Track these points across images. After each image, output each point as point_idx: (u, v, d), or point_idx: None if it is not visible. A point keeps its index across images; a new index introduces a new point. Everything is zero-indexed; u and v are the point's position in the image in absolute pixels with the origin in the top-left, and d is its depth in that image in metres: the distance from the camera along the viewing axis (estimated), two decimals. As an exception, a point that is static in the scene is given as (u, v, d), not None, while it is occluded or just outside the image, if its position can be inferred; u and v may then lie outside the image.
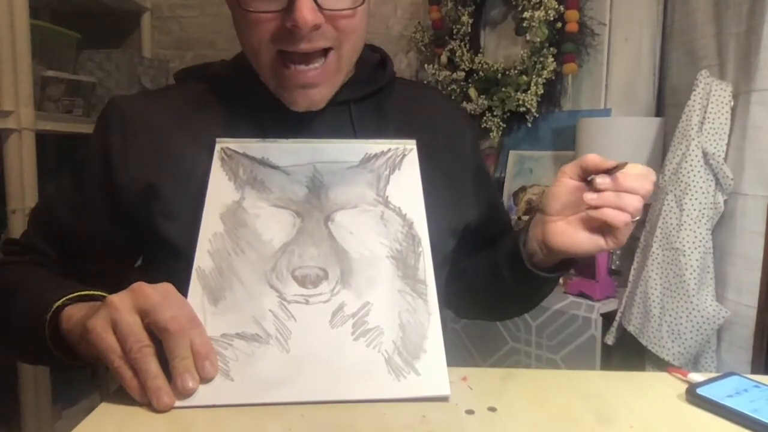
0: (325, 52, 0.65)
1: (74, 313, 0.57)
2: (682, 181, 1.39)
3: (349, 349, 0.53)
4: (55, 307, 0.57)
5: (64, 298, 0.58)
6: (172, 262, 0.65)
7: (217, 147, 0.66)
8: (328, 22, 0.63)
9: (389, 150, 0.68)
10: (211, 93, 0.74)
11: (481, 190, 0.82)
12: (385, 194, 0.64)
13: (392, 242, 0.60)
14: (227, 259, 0.58)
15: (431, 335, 0.55)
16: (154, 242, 0.68)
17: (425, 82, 2.24)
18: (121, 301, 0.51)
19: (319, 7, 0.61)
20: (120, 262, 0.79)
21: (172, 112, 0.72)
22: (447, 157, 0.77)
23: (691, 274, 1.34)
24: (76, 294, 0.59)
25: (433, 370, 0.52)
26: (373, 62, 0.78)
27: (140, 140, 0.70)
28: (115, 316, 0.50)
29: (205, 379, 0.51)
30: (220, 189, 0.63)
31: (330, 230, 0.60)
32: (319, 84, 0.67)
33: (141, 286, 0.51)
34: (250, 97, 0.72)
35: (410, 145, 0.69)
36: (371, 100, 0.76)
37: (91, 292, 0.60)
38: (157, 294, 0.51)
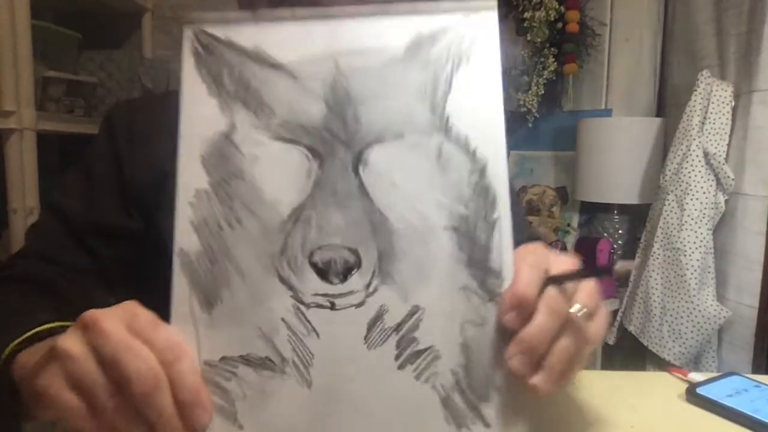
0: None
1: (28, 360, 0.45)
2: (683, 181, 1.39)
3: (392, 382, 0.39)
4: (4, 356, 0.46)
5: (13, 344, 0.47)
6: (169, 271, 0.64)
7: (187, 31, 0.42)
8: None
9: (452, 24, 0.42)
10: None
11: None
12: (444, 110, 0.41)
13: (454, 202, 0.40)
14: (218, 236, 0.40)
15: (505, 365, 0.38)
16: (154, 242, 0.68)
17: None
18: (74, 346, 0.37)
19: None
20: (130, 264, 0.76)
21: (176, 108, 0.72)
22: None
23: (691, 274, 1.34)
24: (33, 332, 0.48)
25: (509, 419, 0.38)
26: None
27: (146, 135, 0.71)
28: (71, 368, 0.37)
29: (200, 429, 0.37)
30: (198, 110, 0.42)
31: (362, 180, 0.40)
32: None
33: (95, 320, 0.37)
34: None
35: (487, 6, 0.42)
36: None
37: (60, 324, 0.50)
38: (118, 330, 0.37)
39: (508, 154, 2.20)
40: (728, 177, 1.33)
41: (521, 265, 0.39)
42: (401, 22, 0.42)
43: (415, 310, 0.39)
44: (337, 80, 0.42)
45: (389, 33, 0.42)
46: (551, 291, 0.38)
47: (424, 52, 0.42)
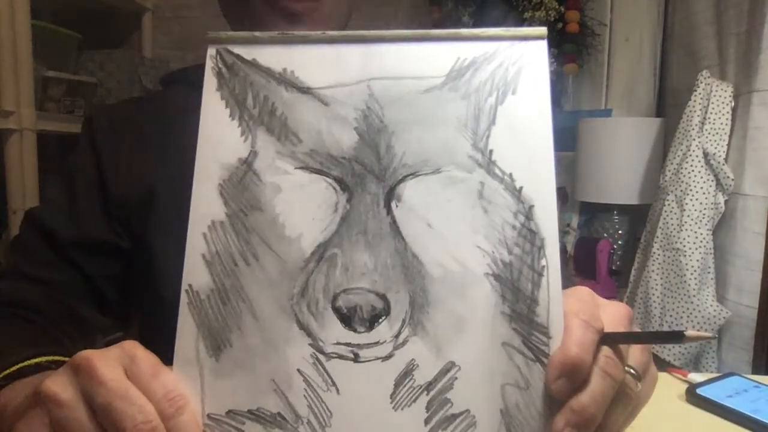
0: None
1: (9, 399, 0.41)
2: (682, 182, 1.39)
3: None
4: None
5: None
6: (162, 290, 0.63)
7: (211, 50, 0.41)
8: None
9: (497, 51, 0.38)
10: (198, 95, 0.73)
11: None
12: (487, 145, 0.37)
13: (497, 246, 0.36)
14: (233, 273, 0.37)
15: None
16: (144, 261, 0.66)
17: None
18: (63, 390, 0.33)
19: None
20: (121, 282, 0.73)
21: (160, 118, 0.70)
22: None
23: (691, 274, 1.35)
24: (17, 367, 0.45)
25: None
26: None
27: (131, 148, 0.68)
28: (58, 415, 0.33)
29: None
30: (218, 135, 0.39)
31: (394, 218, 0.36)
32: (307, 20, 0.62)
33: (88, 363, 0.33)
34: None
35: (537, 34, 0.39)
36: None
37: (47, 359, 0.47)
38: (114, 375, 0.33)
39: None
40: (728, 177, 1.33)
41: (573, 321, 0.33)
42: (441, 48, 0.39)
43: (449, 368, 0.34)
44: (371, 107, 0.38)
45: (428, 59, 0.39)
46: (606, 352, 0.33)
47: (466, 81, 0.38)
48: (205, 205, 0.38)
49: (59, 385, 0.33)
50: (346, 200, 0.37)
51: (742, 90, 1.34)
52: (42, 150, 1.59)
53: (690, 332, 0.32)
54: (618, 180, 1.75)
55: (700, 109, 1.39)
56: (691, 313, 1.34)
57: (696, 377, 0.59)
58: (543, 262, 0.35)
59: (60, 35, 1.80)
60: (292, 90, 0.39)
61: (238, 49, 0.40)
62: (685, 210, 1.37)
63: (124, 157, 0.67)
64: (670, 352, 1.38)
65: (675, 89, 1.77)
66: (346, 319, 0.35)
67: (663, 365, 1.44)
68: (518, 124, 0.37)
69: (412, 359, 0.34)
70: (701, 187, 1.35)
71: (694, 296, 1.34)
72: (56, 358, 0.47)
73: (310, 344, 0.35)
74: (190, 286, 0.36)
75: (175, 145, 0.66)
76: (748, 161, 1.31)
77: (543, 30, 0.38)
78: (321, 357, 0.35)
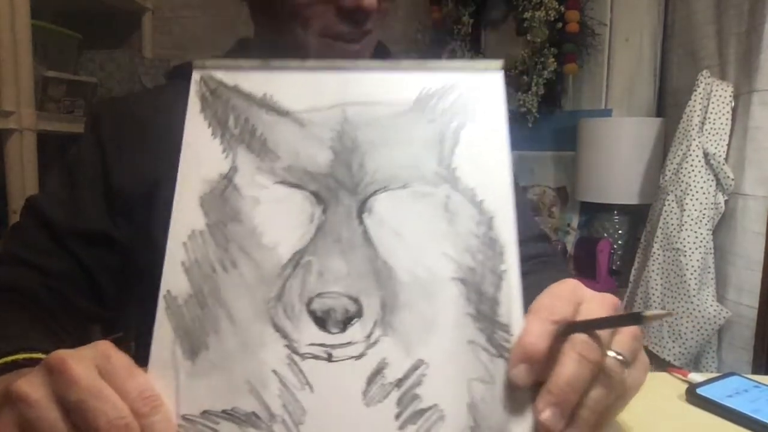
0: (365, 32, 0.65)
1: None
2: (682, 182, 1.39)
3: None
4: None
5: None
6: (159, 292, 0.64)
7: (195, 75, 0.44)
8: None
9: (459, 81, 0.42)
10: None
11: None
12: (451, 163, 0.41)
13: (461, 253, 0.39)
14: (211, 279, 0.38)
15: (517, 427, 0.35)
16: (147, 254, 0.65)
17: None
18: (34, 390, 0.33)
19: None
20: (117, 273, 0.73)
21: (164, 110, 0.70)
22: None
23: (691, 274, 1.35)
24: None
25: None
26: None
27: (135, 142, 0.69)
28: (29, 415, 0.33)
29: None
30: (200, 152, 0.42)
31: (366, 228, 0.39)
32: (361, 58, 0.66)
33: (62, 362, 0.33)
34: None
35: (494, 67, 0.43)
36: None
37: (27, 356, 0.46)
38: (87, 374, 0.33)
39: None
40: (728, 177, 1.33)
41: (529, 317, 0.37)
42: (410, 77, 0.43)
43: (418, 365, 0.37)
44: (345, 129, 0.41)
45: (398, 87, 0.42)
46: (580, 336, 0.36)
47: (432, 107, 0.42)
48: (186, 216, 0.40)
49: (31, 386, 0.33)
50: (321, 212, 0.39)
51: (742, 90, 1.34)
52: (42, 150, 1.59)
53: (648, 312, 0.34)
54: (618, 180, 1.75)
55: (700, 109, 1.39)
56: (691, 313, 1.34)
57: (696, 377, 0.59)
58: (503, 266, 0.38)
59: (60, 35, 1.80)
60: (271, 113, 0.42)
61: (221, 75, 0.43)
62: (685, 210, 1.37)
63: (127, 151, 0.68)
64: (670, 352, 1.38)
65: (675, 89, 1.77)
66: (321, 321, 0.37)
67: (663, 365, 1.44)
68: (478, 145, 0.41)
69: (384, 358, 0.36)
70: (701, 187, 1.35)
71: (694, 296, 1.34)
72: (33, 355, 0.46)
73: (285, 345, 0.36)
74: (168, 291, 0.38)
75: (178, 139, 0.67)
76: (748, 161, 1.31)
77: (499, 62, 0.42)
78: (296, 357, 0.36)
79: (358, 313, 0.37)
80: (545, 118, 2.05)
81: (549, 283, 0.47)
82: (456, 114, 0.42)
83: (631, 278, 1.57)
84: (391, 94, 0.42)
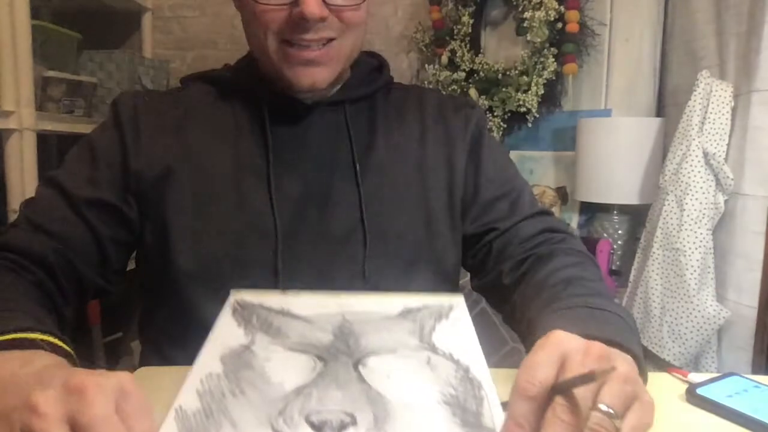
0: (328, 40, 0.69)
1: None
2: (682, 182, 1.39)
3: None
4: None
5: None
6: (176, 259, 0.69)
7: (231, 299, 0.59)
8: (333, 14, 0.67)
9: (433, 301, 0.59)
10: (217, 93, 0.78)
11: (483, 168, 0.78)
12: (431, 341, 0.52)
13: (444, 386, 0.46)
14: (220, 401, 0.43)
15: None
16: (157, 235, 0.71)
17: (426, 83, 2.24)
18: (49, 405, 0.34)
19: (325, 2, 0.66)
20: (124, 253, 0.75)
21: (182, 107, 0.76)
22: (442, 146, 0.78)
23: (691, 274, 1.35)
24: (9, 337, 0.46)
25: None
26: (370, 67, 0.82)
27: (153, 128, 0.73)
28: (37, 427, 0.33)
29: None
30: (225, 333, 0.53)
31: (360, 374, 0.47)
32: (320, 63, 0.70)
33: (84, 386, 0.34)
34: (252, 94, 0.75)
35: (457, 299, 0.59)
36: (365, 102, 0.79)
37: (24, 335, 0.47)
38: (104, 403, 0.34)
39: (508, 153, 2.20)
40: (728, 177, 1.33)
41: (514, 397, 0.38)
42: (395, 299, 0.59)
43: None
44: (344, 324, 0.55)
45: (385, 303, 0.58)
46: (558, 400, 0.37)
47: (413, 315, 0.57)
48: (206, 365, 0.48)
49: (47, 400, 0.34)
50: (322, 365, 0.48)
51: (742, 90, 1.34)
52: (42, 150, 1.59)
53: (599, 371, 0.36)
54: (618, 180, 1.75)
55: (700, 109, 1.39)
56: (690, 313, 1.34)
57: (696, 377, 0.59)
58: (482, 393, 0.45)
59: (60, 35, 1.80)
60: (286, 316, 0.56)
61: (249, 298, 0.59)
62: (684, 210, 1.37)
63: (146, 137, 0.72)
64: (670, 352, 1.38)
65: (675, 89, 1.77)
66: (318, 428, 0.41)
67: (663, 365, 1.44)
68: (452, 331, 0.54)
69: None
70: (701, 187, 1.35)
71: (694, 296, 1.34)
72: (28, 335, 0.47)
73: None
74: (180, 406, 0.42)
75: (194, 131, 0.74)
76: (747, 161, 1.31)
77: (460, 295, 0.60)
78: None
79: (353, 423, 0.41)
80: (545, 118, 2.05)
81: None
82: (432, 316, 0.56)
83: (631, 278, 1.57)
84: (380, 307, 0.58)
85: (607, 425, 0.36)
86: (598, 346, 0.40)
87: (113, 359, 1.36)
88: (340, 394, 0.44)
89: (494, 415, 0.42)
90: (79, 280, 0.68)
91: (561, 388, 0.37)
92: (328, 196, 0.72)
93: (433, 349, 0.51)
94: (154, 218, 0.71)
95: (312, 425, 0.41)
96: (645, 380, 0.48)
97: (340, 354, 0.49)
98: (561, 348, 0.40)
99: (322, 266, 0.71)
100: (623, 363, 0.41)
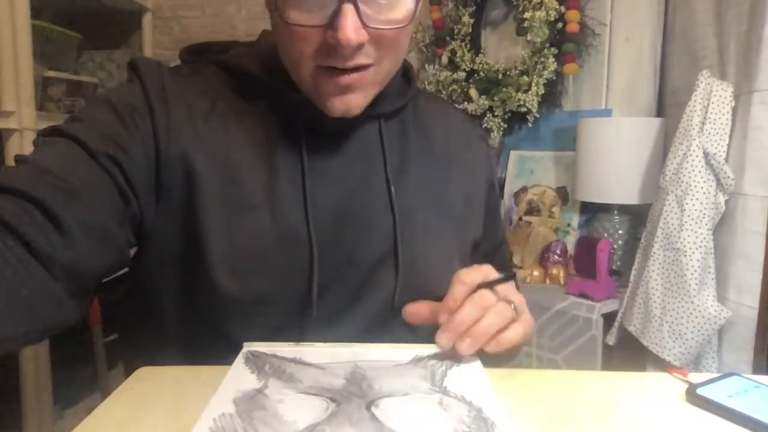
0: (365, 66, 0.63)
1: None
2: (683, 182, 1.39)
3: None
4: None
5: None
6: (212, 275, 0.63)
7: (244, 350, 0.60)
8: (371, 40, 0.60)
9: (443, 352, 0.59)
10: (240, 86, 0.70)
11: (493, 220, 0.85)
12: (443, 385, 0.54)
13: (457, 424, 0.46)
14: None
15: None
16: (188, 248, 0.64)
17: (426, 83, 2.24)
18: None
19: (364, 25, 0.58)
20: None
21: (209, 98, 0.69)
22: (464, 176, 0.79)
23: (692, 274, 1.34)
24: None
25: None
26: (399, 74, 0.76)
27: (182, 115, 0.66)
28: None
29: None
30: (238, 379, 0.54)
31: (374, 414, 0.48)
32: (356, 89, 0.64)
33: None
34: (283, 102, 0.69)
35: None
36: (396, 118, 0.76)
37: None
38: None
39: (508, 153, 2.20)
40: (728, 177, 1.33)
41: (455, 284, 0.59)
42: (408, 350, 0.61)
43: None
44: (356, 371, 0.56)
45: (398, 354, 0.60)
46: (479, 291, 0.58)
47: (423, 362, 0.59)
48: (218, 407, 0.48)
49: None
50: (335, 406, 0.49)
51: (743, 90, 1.34)
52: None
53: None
54: (618, 180, 1.74)
55: (701, 109, 1.39)
56: (691, 313, 1.34)
57: (696, 377, 0.58)
58: (496, 431, 0.46)
59: (60, 35, 1.80)
60: (299, 364, 0.57)
61: (263, 349, 0.60)
62: (685, 210, 1.37)
63: (175, 122, 0.65)
64: (670, 352, 1.38)
65: (675, 89, 1.76)
66: None
67: (664, 365, 1.44)
68: (462, 376, 0.56)
69: None
70: (701, 187, 1.35)
71: (694, 296, 1.34)
72: None
73: None
74: None
75: (222, 128, 0.67)
76: (748, 161, 1.31)
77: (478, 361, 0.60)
78: None
79: None
80: (545, 118, 2.05)
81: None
82: (443, 363, 0.58)
83: (631, 278, 1.57)
84: (392, 357, 0.59)
85: (508, 311, 0.59)
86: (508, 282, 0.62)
87: (113, 359, 1.35)
88: (353, 430, 0.45)
89: None
90: (67, 231, 0.55)
91: (484, 285, 0.59)
92: (363, 217, 0.69)
93: (445, 392, 0.52)
94: (180, 223, 0.64)
95: None
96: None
97: (352, 396, 0.51)
98: (485, 267, 0.62)
99: (353, 291, 0.68)
100: (521, 295, 0.64)
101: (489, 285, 0.59)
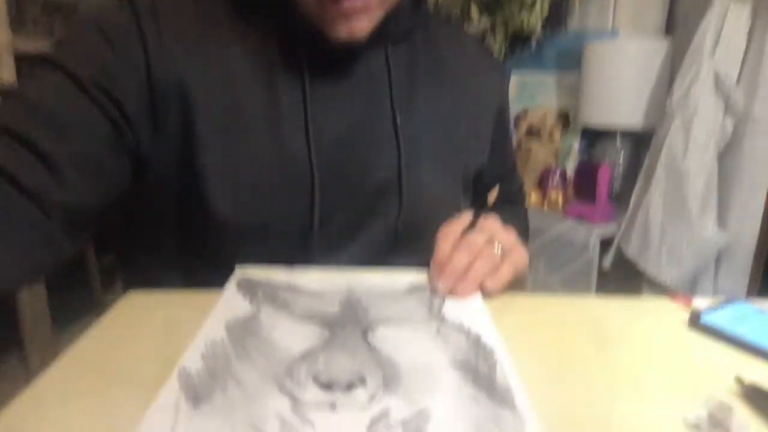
0: None
1: None
2: (690, 105, 1.34)
3: None
4: None
5: None
6: (212, 209, 0.61)
7: (236, 275, 0.59)
8: None
9: None
10: (240, 11, 0.66)
11: (501, 148, 0.83)
12: (440, 313, 0.53)
13: (455, 352, 0.46)
14: (225, 363, 0.43)
15: None
16: (186, 177, 0.62)
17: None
18: None
19: None
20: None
21: (200, 15, 0.64)
22: (473, 102, 0.76)
23: (694, 199, 1.33)
24: None
25: None
26: None
27: (174, 33, 0.61)
28: None
29: None
30: (230, 304, 0.53)
31: (369, 342, 0.47)
32: (361, 14, 0.60)
33: None
34: (285, 26, 0.65)
35: None
36: (405, 44, 0.71)
37: None
38: None
39: (509, 76, 2.12)
40: (738, 100, 1.28)
41: (440, 240, 0.60)
42: (402, 275, 0.60)
43: (422, 411, 0.39)
44: (351, 296, 0.55)
45: (393, 280, 0.59)
46: (464, 238, 0.59)
47: (420, 291, 0.57)
48: (210, 333, 0.47)
49: None
50: (329, 333, 0.48)
51: (760, 9, 1.27)
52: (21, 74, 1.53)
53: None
54: (622, 103, 1.69)
55: (714, 30, 1.32)
56: (691, 238, 1.33)
57: (700, 303, 0.57)
58: (495, 359, 0.45)
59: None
60: (293, 290, 0.56)
61: (255, 275, 0.59)
62: (691, 134, 1.33)
63: (167, 40, 0.60)
64: (667, 275, 1.38)
65: (686, 8, 1.68)
66: (326, 386, 0.41)
67: (659, 289, 1.45)
68: (460, 305, 0.55)
69: (387, 407, 0.39)
70: (710, 110, 1.31)
71: (695, 221, 1.32)
72: None
73: (289, 400, 0.39)
74: (183, 367, 0.42)
75: (218, 50, 0.63)
76: (762, 84, 1.26)
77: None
78: (299, 407, 0.38)
79: (362, 383, 0.41)
80: (549, 39, 1.97)
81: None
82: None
83: (631, 202, 1.55)
84: (389, 285, 0.58)
85: (494, 255, 0.58)
86: (492, 216, 0.62)
87: (108, 282, 1.35)
88: (348, 358, 0.44)
89: (509, 378, 0.42)
90: (53, 165, 0.53)
91: (468, 231, 0.59)
92: (367, 145, 0.66)
93: (443, 320, 0.51)
94: (178, 151, 0.61)
95: (320, 384, 0.41)
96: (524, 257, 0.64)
97: (347, 323, 0.50)
98: (464, 215, 0.62)
99: (355, 220, 0.67)
100: (510, 230, 0.62)
101: (470, 228, 0.60)
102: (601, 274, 1.64)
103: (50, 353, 1.60)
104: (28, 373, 1.55)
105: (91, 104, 0.57)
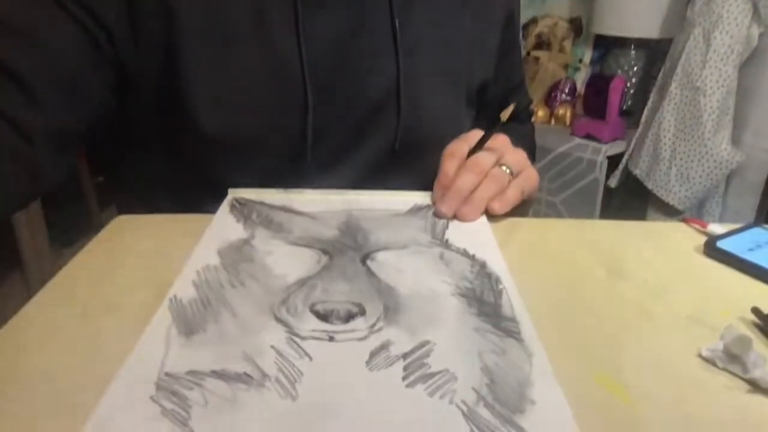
0: None
1: None
2: (714, 12, 1.26)
3: (399, 398, 0.33)
4: None
5: None
6: (198, 121, 0.57)
7: (228, 197, 0.56)
8: None
9: None
10: None
11: (509, 59, 0.77)
12: (444, 237, 0.50)
13: (459, 280, 0.44)
14: (218, 291, 0.41)
15: (539, 382, 0.34)
16: (170, 92, 0.58)
17: None
18: None
19: None
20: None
21: None
22: (480, 7, 0.70)
23: (709, 115, 1.27)
24: None
25: (550, 425, 0.32)
26: None
27: None
28: None
29: None
30: (223, 228, 0.50)
31: (369, 268, 0.44)
32: None
33: None
34: None
35: None
36: None
37: None
38: None
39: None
40: None
41: (445, 159, 0.56)
42: (403, 197, 0.57)
43: (425, 343, 0.37)
44: (350, 220, 0.52)
45: (394, 201, 0.56)
46: (471, 157, 0.55)
47: (423, 212, 0.55)
48: (202, 258, 0.45)
49: None
50: (327, 259, 0.45)
51: None
52: None
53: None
54: (639, 10, 1.60)
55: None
56: (702, 156, 1.29)
57: (715, 228, 0.55)
58: (500, 287, 0.43)
59: None
60: (288, 213, 0.54)
61: (249, 196, 0.57)
62: (711, 45, 1.26)
63: None
64: (675, 195, 1.36)
65: None
66: (324, 317, 0.38)
67: (666, 210, 1.43)
68: (465, 228, 0.53)
69: (388, 339, 0.37)
70: (735, 18, 1.23)
71: (708, 139, 1.28)
72: None
73: (286, 331, 0.37)
74: (174, 296, 0.40)
75: None
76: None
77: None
78: (296, 339, 0.36)
79: (361, 313, 0.39)
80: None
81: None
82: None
83: (643, 119, 1.50)
84: (389, 205, 0.56)
85: (503, 175, 0.55)
86: (502, 135, 0.57)
87: (106, 201, 1.33)
88: (348, 285, 0.42)
89: (514, 306, 0.40)
90: (80, 90, 0.53)
91: (475, 151, 0.55)
92: (363, 55, 0.62)
93: (446, 245, 0.49)
94: (161, 64, 0.57)
95: (317, 314, 0.39)
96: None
97: (346, 248, 0.47)
98: (472, 133, 0.57)
99: (351, 135, 0.63)
100: (519, 149, 0.58)
101: (477, 148, 0.56)
102: (606, 193, 1.61)
103: (49, 273, 1.61)
104: (29, 292, 1.57)
105: (67, 17, 0.52)
